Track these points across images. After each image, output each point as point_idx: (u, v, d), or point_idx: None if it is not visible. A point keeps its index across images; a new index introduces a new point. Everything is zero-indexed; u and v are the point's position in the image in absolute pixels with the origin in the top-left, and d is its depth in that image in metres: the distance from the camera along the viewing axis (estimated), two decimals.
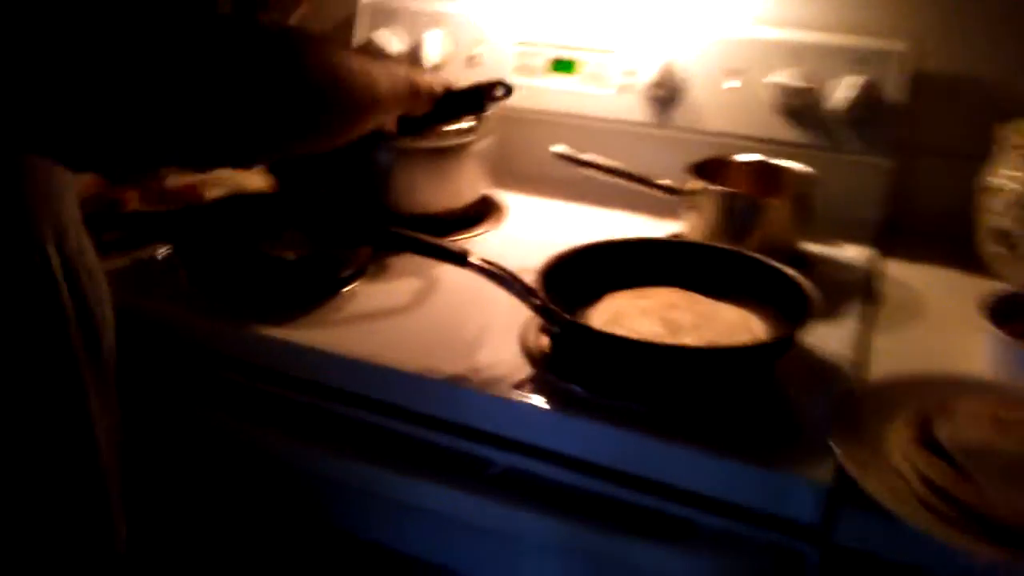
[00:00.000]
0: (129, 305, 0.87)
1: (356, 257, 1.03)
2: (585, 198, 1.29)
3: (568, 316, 0.84)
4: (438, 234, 1.14)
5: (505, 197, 1.30)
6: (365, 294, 1.01)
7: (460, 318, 0.96)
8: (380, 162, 1.11)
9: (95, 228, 1.06)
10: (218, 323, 0.94)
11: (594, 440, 0.79)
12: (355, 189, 1.14)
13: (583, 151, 1.29)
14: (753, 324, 0.92)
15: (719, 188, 1.07)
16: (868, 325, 0.99)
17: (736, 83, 1.23)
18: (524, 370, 0.86)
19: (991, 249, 1.11)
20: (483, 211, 1.25)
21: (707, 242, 1.07)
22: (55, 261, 0.74)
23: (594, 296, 0.96)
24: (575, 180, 1.18)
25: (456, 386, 0.83)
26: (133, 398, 0.85)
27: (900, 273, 1.14)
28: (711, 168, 1.14)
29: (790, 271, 0.93)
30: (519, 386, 0.83)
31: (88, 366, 0.77)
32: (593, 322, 0.91)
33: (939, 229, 1.19)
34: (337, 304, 0.98)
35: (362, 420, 0.90)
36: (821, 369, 0.89)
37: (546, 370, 0.85)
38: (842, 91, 1.17)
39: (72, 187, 0.79)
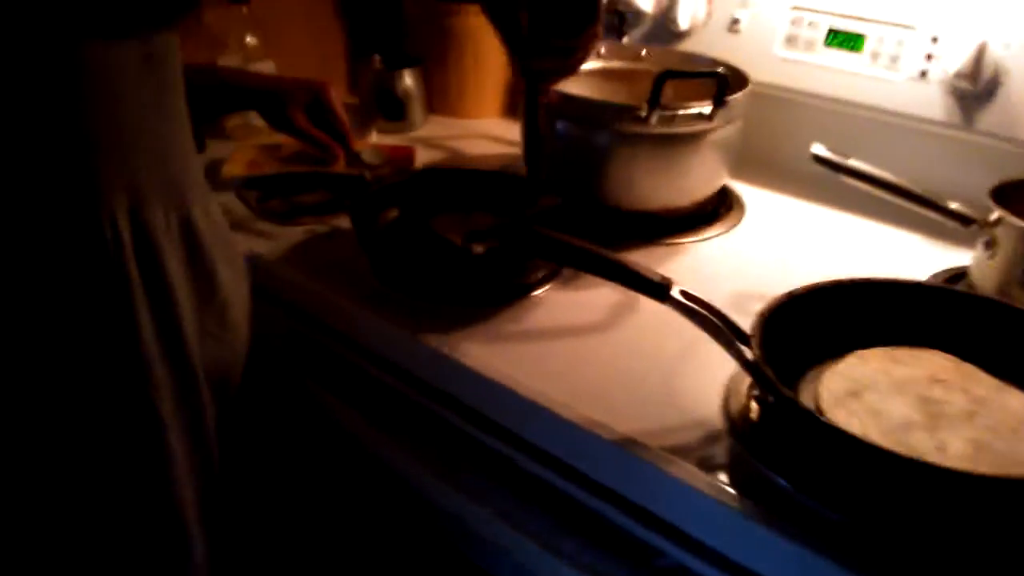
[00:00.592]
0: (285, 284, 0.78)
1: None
2: (849, 204, 1.05)
3: (786, 390, 0.64)
4: (658, 235, 0.98)
5: (746, 192, 1.09)
6: (553, 302, 0.85)
7: (655, 352, 0.78)
8: (596, 146, 0.94)
9: (273, 190, 1.00)
10: (381, 319, 0.83)
11: (794, 564, 0.60)
12: (564, 175, 0.98)
13: (855, 149, 1.04)
14: None
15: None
16: None
17: None
18: (720, 442, 0.68)
19: None
20: (716, 209, 1.05)
21: (999, 296, 0.81)
22: (125, 235, 0.60)
23: (834, 349, 0.75)
24: (839, 181, 0.94)
25: (624, 448, 0.67)
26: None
27: None
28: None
29: None
30: (706, 466, 0.65)
31: (168, 384, 0.63)
32: (826, 391, 0.70)
33: None
34: (518, 311, 0.84)
35: (515, 463, 0.76)
36: None
37: (748, 448, 0.66)
38: None
39: (172, 141, 0.64)
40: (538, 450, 0.73)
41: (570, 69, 0.80)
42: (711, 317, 0.69)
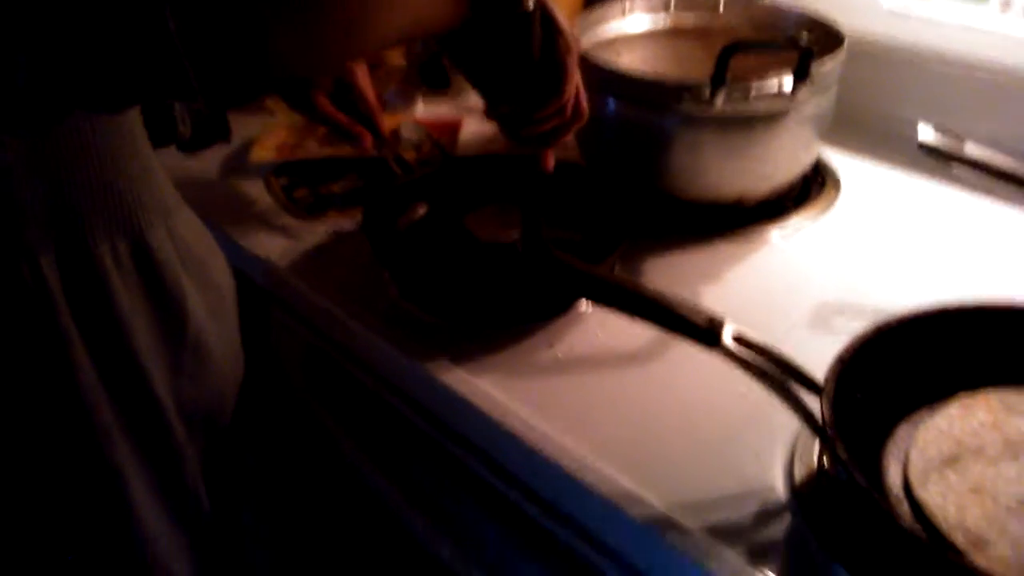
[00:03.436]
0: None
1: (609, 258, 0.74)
2: (966, 179, 0.87)
3: (860, 475, 0.50)
4: (732, 227, 0.84)
5: (843, 163, 0.93)
6: (596, 321, 0.73)
7: (707, 396, 0.65)
8: (654, 129, 0.80)
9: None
10: (391, 343, 0.72)
11: None
12: (619, 161, 0.85)
13: (975, 120, 0.87)
14: None
15: None
16: None
17: None
18: (780, 519, 0.56)
19: None
20: (804, 189, 0.90)
21: None
22: (48, 273, 0.51)
23: (937, 392, 0.61)
24: None
25: (660, 531, 0.55)
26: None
27: None
28: None
29: None
30: (759, 553, 0.53)
31: (121, 429, 0.56)
32: (916, 457, 0.57)
33: None
34: (554, 331, 0.72)
35: (534, 520, 0.66)
36: None
37: (814, 531, 0.54)
38: None
39: (118, 156, 0.54)
40: (556, 509, 0.63)
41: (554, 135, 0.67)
42: (770, 369, 0.56)
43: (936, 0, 0.89)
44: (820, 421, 0.54)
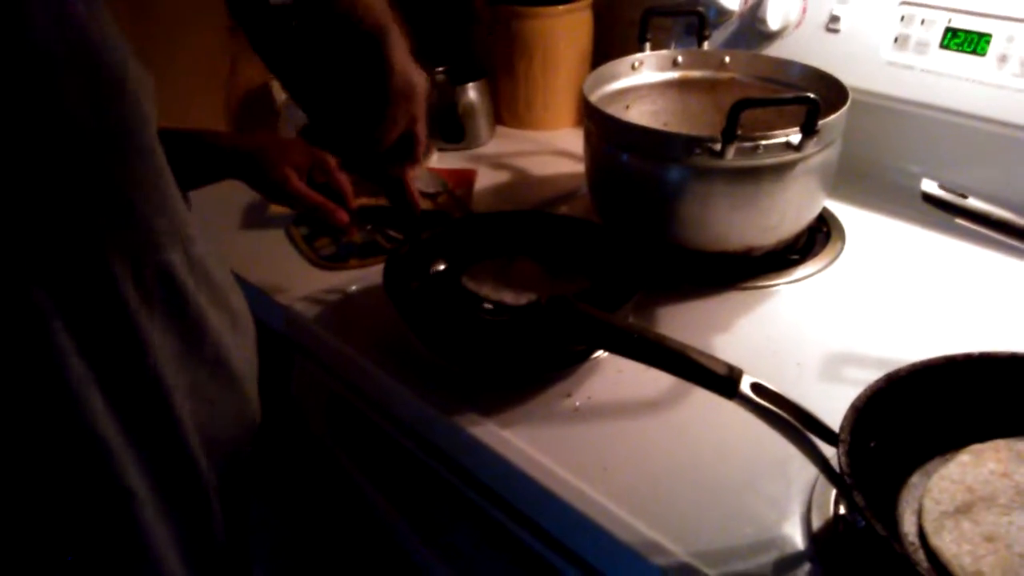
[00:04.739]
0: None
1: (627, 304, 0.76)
2: (970, 230, 0.89)
3: (878, 524, 0.52)
4: (739, 279, 0.86)
5: (847, 215, 0.96)
6: (614, 368, 0.75)
7: (726, 443, 0.67)
8: (664, 180, 0.83)
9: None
10: (414, 393, 0.74)
11: None
12: (630, 212, 0.88)
13: (976, 172, 0.91)
14: None
15: None
16: None
17: None
18: (799, 568, 0.57)
19: None
20: (810, 240, 0.92)
21: None
22: (46, 305, 0.51)
23: (950, 441, 0.63)
24: None
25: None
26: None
27: None
28: None
29: None
30: None
31: (134, 454, 0.55)
32: (930, 505, 0.58)
33: None
34: (572, 380, 0.74)
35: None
36: None
37: (831, 575, 0.56)
38: None
39: (143, 181, 0.54)
40: (579, 557, 0.64)
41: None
42: (788, 417, 0.57)
43: (935, 54, 0.92)
44: (838, 469, 0.56)
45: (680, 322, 0.81)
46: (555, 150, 1.17)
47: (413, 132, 0.71)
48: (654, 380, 0.72)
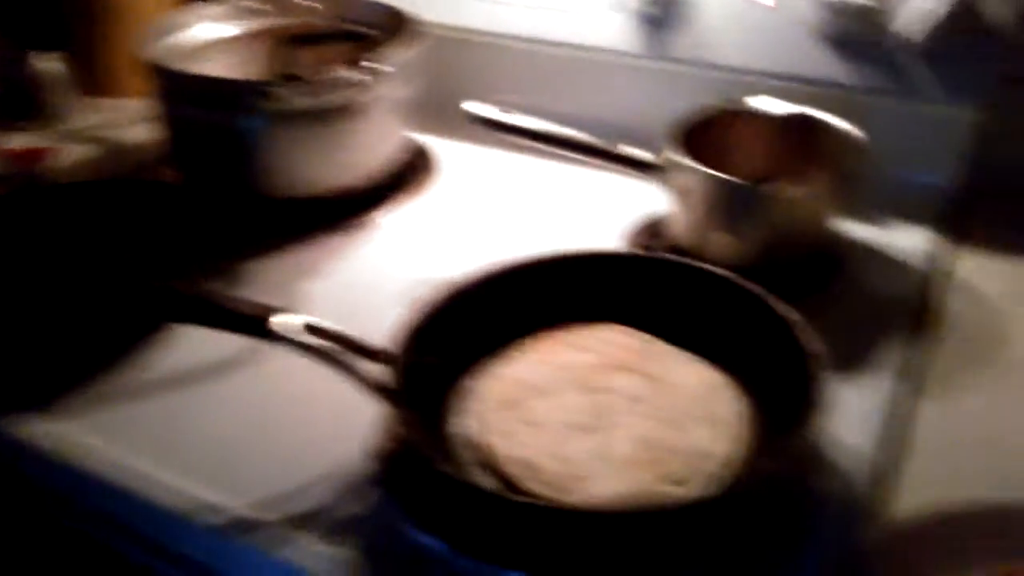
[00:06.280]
0: None
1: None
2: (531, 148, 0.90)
3: (411, 429, 0.52)
4: (334, 220, 0.84)
5: (441, 147, 0.96)
6: (188, 337, 0.70)
7: (299, 393, 0.64)
8: (245, 130, 0.79)
9: None
10: None
11: None
12: (211, 167, 0.83)
13: (552, 92, 0.95)
14: (719, 403, 0.59)
15: (702, 169, 0.71)
16: (915, 384, 0.65)
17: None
18: (365, 495, 0.56)
19: None
20: (402, 174, 0.92)
21: (693, 245, 0.74)
22: None
23: (513, 336, 0.65)
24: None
25: (237, 533, 0.54)
26: None
27: (977, 276, 0.77)
28: (715, 125, 0.78)
29: (781, 308, 0.59)
30: (338, 532, 0.54)
31: None
32: (480, 403, 0.60)
33: None
34: (152, 354, 0.69)
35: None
36: (824, 498, 0.56)
37: (392, 492, 0.55)
38: (918, 9, 0.78)
39: None
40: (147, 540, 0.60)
41: None
42: (339, 349, 0.56)
43: None
44: (389, 391, 0.55)
45: (271, 276, 0.77)
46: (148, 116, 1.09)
47: None
48: (225, 346, 0.67)
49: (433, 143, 0.97)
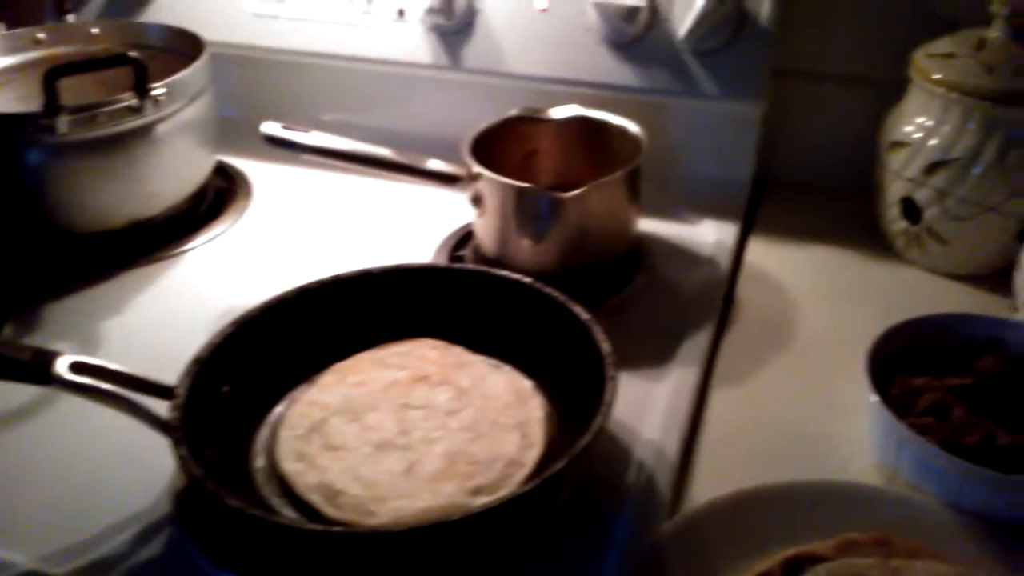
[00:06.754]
0: None
1: None
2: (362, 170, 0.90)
3: (195, 466, 0.51)
4: (138, 251, 0.82)
5: (254, 170, 0.94)
6: None
7: (94, 439, 0.61)
8: (28, 165, 0.75)
9: None
10: None
11: None
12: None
13: (355, 107, 0.95)
14: (527, 409, 0.61)
15: (496, 178, 0.73)
16: (707, 373, 0.69)
17: (544, 2, 0.87)
18: (159, 537, 0.55)
19: (896, 225, 0.81)
20: (215, 200, 0.90)
21: (498, 254, 0.75)
22: None
23: (327, 360, 0.65)
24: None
25: None
26: None
27: (764, 260, 0.82)
28: (510, 134, 0.80)
29: (576, 310, 0.62)
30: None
31: None
32: (284, 433, 0.60)
33: (826, 191, 0.89)
34: None
35: None
36: (625, 493, 0.59)
37: (189, 531, 0.54)
38: (684, 8, 0.82)
39: None
40: None
41: None
42: (113, 389, 0.55)
43: (290, 1, 0.94)
44: (174, 433, 0.54)
45: (71, 318, 0.74)
46: None
47: None
48: (15, 395, 0.64)
49: (248, 167, 0.95)
